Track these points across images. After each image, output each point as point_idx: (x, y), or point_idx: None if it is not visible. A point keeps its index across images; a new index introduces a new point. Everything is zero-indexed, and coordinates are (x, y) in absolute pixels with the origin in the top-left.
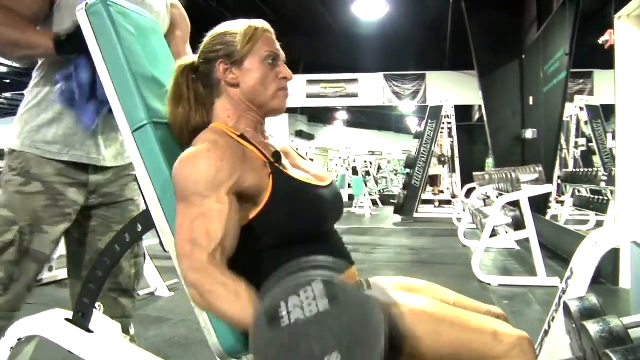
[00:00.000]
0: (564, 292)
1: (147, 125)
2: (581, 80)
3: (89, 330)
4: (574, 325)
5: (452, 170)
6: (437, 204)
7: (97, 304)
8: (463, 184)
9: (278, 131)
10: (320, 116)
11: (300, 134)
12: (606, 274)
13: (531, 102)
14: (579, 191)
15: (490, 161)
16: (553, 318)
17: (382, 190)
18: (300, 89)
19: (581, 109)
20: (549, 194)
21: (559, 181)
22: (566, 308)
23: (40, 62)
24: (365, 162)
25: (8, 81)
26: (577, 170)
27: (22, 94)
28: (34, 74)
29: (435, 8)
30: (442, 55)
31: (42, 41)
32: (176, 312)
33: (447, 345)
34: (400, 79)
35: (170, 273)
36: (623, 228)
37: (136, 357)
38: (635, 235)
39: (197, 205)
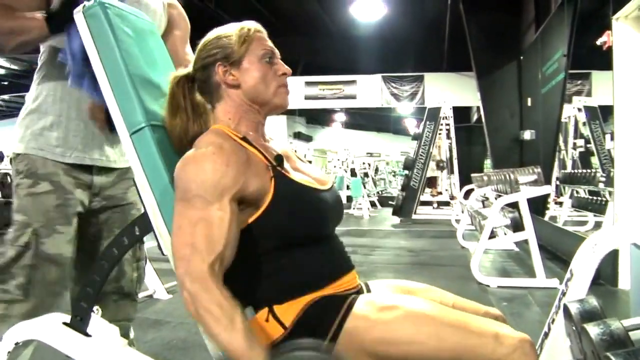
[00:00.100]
0: (563, 294)
1: (145, 128)
2: (579, 81)
3: (87, 334)
4: (574, 328)
5: (451, 171)
6: (435, 205)
7: (95, 308)
8: (461, 186)
9: (276, 133)
10: (319, 118)
11: (298, 135)
12: (605, 275)
13: (529, 103)
14: (577, 192)
15: (488, 162)
16: (553, 320)
17: (380, 192)
18: (298, 91)
19: (579, 110)
20: (547, 195)
21: (558, 182)
22: (566, 310)
23: (40, 63)
24: (364, 163)
25: (6, 83)
26: (576, 171)
27: (20, 96)
28: (35, 76)
29: (433, 9)
30: (440, 57)
31: (34, 22)
32: (174, 315)
33: (449, 349)
34: (398, 80)
35: (168, 275)
36: (623, 230)
37: None
38: (635, 237)
39: (198, 209)
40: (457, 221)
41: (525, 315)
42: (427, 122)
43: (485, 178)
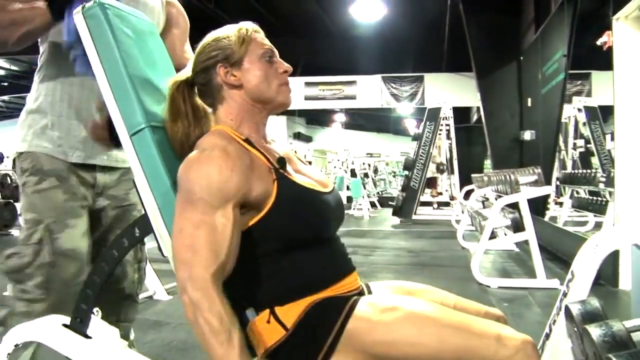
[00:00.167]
0: (565, 295)
1: (144, 129)
2: (579, 82)
3: (86, 336)
4: (575, 329)
5: (451, 172)
6: (435, 205)
7: (95, 310)
8: (461, 186)
9: (276, 133)
10: (319, 118)
11: (298, 136)
12: (606, 275)
13: (529, 104)
14: (577, 192)
15: (488, 163)
16: (554, 321)
17: (380, 192)
18: (298, 91)
19: (579, 110)
20: (547, 196)
21: (558, 182)
22: (567, 311)
23: (40, 64)
24: (364, 164)
25: (6, 84)
26: (576, 171)
27: (20, 97)
28: (35, 77)
29: (433, 10)
30: (440, 57)
31: (36, 10)
32: (174, 316)
33: (450, 350)
34: (398, 80)
35: (168, 276)
36: (624, 231)
37: None
38: (636, 238)
39: (201, 212)
40: (458, 222)
41: (526, 315)
42: (427, 123)
43: (486, 178)
